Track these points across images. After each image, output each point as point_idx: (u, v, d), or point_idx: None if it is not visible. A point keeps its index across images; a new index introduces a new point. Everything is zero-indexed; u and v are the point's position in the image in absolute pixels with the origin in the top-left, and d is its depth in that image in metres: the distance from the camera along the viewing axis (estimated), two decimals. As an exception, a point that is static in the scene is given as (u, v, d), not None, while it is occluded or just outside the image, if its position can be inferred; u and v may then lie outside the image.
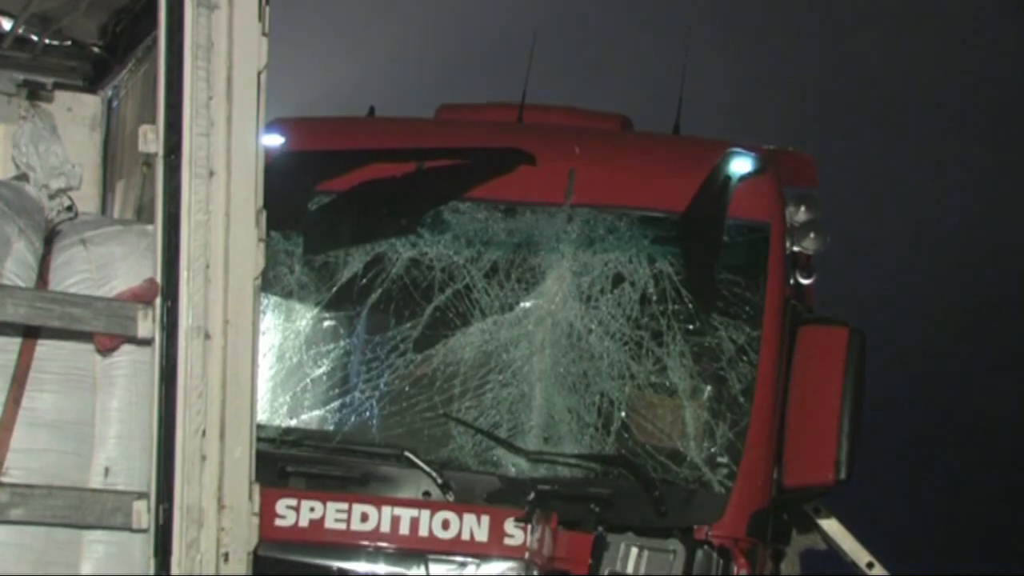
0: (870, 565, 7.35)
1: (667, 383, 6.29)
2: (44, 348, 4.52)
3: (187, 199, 4.36)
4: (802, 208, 6.65)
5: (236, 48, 4.43)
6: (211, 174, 4.39)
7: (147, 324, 4.38)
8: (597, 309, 6.38)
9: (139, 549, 4.40)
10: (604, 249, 6.46)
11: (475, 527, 5.91)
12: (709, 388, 6.29)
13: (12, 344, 4.50)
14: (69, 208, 5.01)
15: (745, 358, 6.25)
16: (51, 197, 4.97)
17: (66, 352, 4.54)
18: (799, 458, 6.21)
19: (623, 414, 6.26)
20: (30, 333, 4.51)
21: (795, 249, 6.67)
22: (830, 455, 6.14)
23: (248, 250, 4.44)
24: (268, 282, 6.33)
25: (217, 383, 4.38)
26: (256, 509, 4.46)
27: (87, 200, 5.61)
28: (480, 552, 5.89)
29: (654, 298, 6.37)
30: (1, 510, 4.24)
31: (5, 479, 4.36)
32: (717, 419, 6.20)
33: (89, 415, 4.56)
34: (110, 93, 6.00)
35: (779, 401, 6.28)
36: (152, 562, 4.30)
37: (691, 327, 6.33)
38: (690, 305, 6.34)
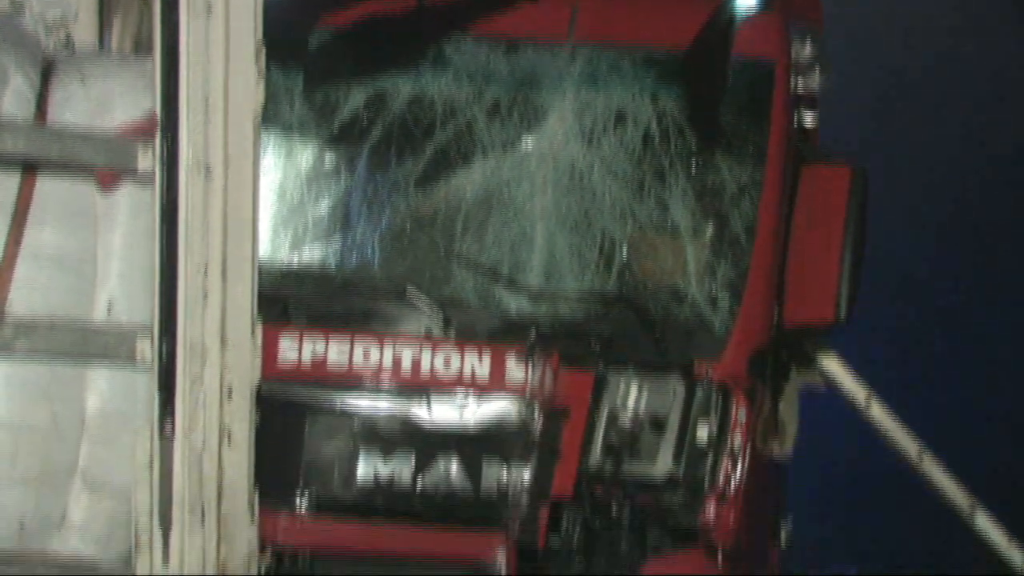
0: (868, 402, 7.42)
1: (669, 223, 6.28)
2: (44, 184, 4.51)
3: (186, 33, 4.31)
4: (808, 45, 6.58)
5: None
6: (208, 8, 4.33)
7: (147, 158, 4.35)
8: (599, 148, 6.35)
9: (142, 384, 4.43)
10: (607, 87, 6.41)
11: (476, 364, 5.94)
12: (711, 228, 6.28)
13: (11, 180, 4.48)
14: (67, 43, 4.96)
15: (748, 197, 6.23)
16: (48, 31, 4.91)
17: (66, 188, 4.52)
18: (799, 295, 6.23)
19: (624, 253, 6.26)
20: (29, 170, 4.49)
21: (800, 88, 6.61)
22: (830, 292, 6.16)
23: (247, 85, 4.40)
24: (267, 120, 6.28)
25: (218, 220, 4.36)
26: (259, 346, 4.47)
27: (84, 30, 5.53)
28: (481, 389, 5.93)
29: (657, 137, 6.33)
30: (5, 344, 4.27)
31: (8, 314, 4.38)
32: (719, 258, 6.20)
33: (91, 253, 4.56)
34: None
35: (781, 240, 6.28)
36: (156, 397, 4.33)
37: (694, 166, 6.30)
38: (693, 144, 6.31)
